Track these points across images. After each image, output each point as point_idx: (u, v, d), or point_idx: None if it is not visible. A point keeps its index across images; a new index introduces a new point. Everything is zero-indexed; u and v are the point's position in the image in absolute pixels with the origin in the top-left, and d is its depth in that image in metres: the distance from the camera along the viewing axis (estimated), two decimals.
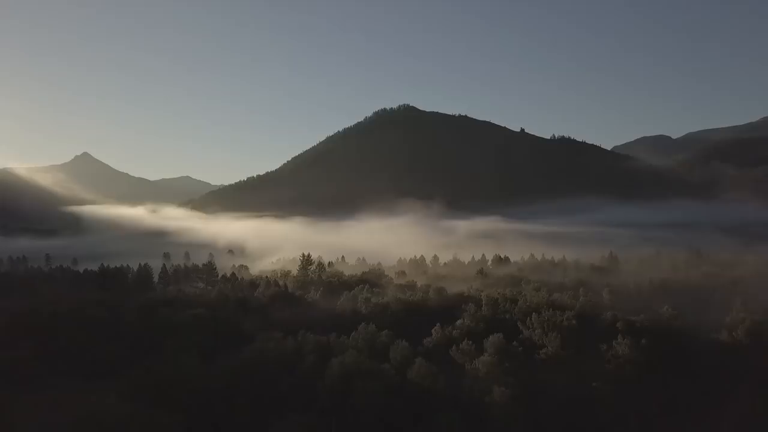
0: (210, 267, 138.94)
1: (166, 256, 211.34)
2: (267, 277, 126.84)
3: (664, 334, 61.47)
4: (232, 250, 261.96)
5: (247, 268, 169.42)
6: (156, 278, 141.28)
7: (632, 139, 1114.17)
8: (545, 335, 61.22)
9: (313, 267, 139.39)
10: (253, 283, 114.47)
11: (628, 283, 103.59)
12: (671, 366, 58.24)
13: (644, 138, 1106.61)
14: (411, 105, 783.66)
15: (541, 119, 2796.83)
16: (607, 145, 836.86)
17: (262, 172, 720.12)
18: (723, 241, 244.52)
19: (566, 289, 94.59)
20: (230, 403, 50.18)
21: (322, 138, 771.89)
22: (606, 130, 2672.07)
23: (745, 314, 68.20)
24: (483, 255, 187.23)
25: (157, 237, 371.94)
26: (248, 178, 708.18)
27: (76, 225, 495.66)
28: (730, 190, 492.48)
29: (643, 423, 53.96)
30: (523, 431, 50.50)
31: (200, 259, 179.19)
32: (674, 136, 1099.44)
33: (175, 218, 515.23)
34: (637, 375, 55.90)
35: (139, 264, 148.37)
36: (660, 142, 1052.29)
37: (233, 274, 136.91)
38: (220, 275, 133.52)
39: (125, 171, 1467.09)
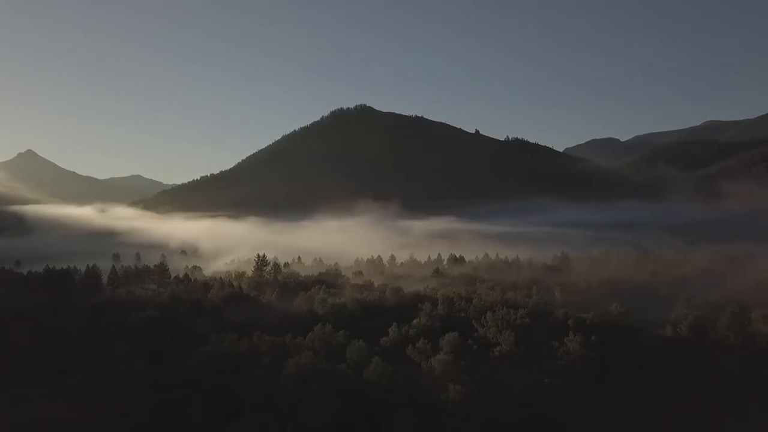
0: (162, 268, 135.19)
1: (116, 257, 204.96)
2: (221, 278, 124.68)
3: (613, 331, 63.51)
4: (185, 251, 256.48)
5: (200, 269, 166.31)
6: (105, 280, 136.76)
7: (583, 141, 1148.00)
8: (499, 333, 62.26)
9: (269, 268, 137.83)
10: (207, 284, 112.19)
11: (579, 282, 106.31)
12: (620, 361, 60.12)
13: (594, 140, 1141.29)
14: (368, 105, 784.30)
15: (495, 121, 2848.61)
16: (559, 147, 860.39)
17: (216, 171, 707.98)
18: (668, 241, 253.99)
19: (520, 288, 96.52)
20: (183, 407, 49.12)
21: (278, 137, 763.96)
22: (558, 133, 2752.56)
23: (688, 310, 71.10)
24: (439, 255, 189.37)
25: (106, 237, 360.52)
26: (202, 177, 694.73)
27: (20, 225, 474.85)
28: (675, 191, 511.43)
29: (595, 418, 55.49)
30: (479, 428, 51.22)
31: (152, 260, 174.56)
32: (622, 139, 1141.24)
33: (125, 218, 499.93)
34: (587, 371, 57.48)
35: (87, 265, 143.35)
36: (609, 144, 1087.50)
37: (186, 275, 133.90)
38: (172, 276, 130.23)
39: (72, 169, 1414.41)
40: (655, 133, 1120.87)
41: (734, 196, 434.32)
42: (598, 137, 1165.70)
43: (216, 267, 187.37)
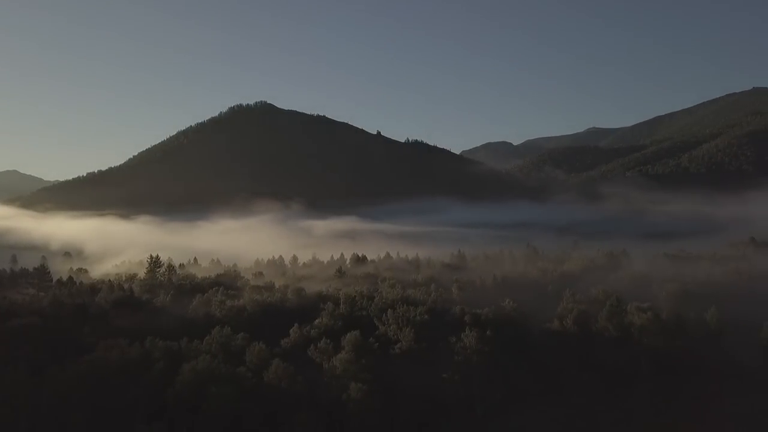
0: (42, 271, 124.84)
1: None
2: (110, 280, 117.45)
3: (506, 325, 66.83)
4: (68, 253, 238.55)
5: (86, 271, 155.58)
6: None
7: (478, 145, 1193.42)
8: (399, 330, 63.46)
9: (162, 269, 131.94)
10: (94, 287, 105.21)
11: (474, 279, 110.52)
12: (512, 354, 63.35)
13: (489, 144, 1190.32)
14: (268, 102, 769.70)
15: (396, 123, 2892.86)
16: (456, 150, 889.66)
17: (104, 168, 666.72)
18: (555, 239, 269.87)
19: (419, 286, 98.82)
20: (67, 420, 45.87)
21: (173, 133, 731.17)
22: (455, 136, 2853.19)
23: (573, 304, 76.28)
24: (342, 254, 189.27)
25: None
26: (88, 174, 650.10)
27: None
28: (561, 193, 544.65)
29: (488, 408, 58.03)
30: (379, 425, 51.98)
31: (31, 263, 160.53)
32: (515, 143, 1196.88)
33: None
34: (482, 364, 60.00)
35: None
36: (502, 148, 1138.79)
37: (70, 278, 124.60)
38: (54, 280, 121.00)
39: None
40: (544, 138, 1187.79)
41: (613, 198, 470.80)
42: (492, 141, 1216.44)
43: (104, 269, 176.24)
